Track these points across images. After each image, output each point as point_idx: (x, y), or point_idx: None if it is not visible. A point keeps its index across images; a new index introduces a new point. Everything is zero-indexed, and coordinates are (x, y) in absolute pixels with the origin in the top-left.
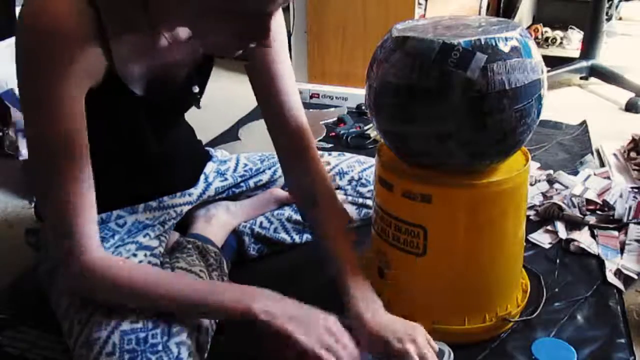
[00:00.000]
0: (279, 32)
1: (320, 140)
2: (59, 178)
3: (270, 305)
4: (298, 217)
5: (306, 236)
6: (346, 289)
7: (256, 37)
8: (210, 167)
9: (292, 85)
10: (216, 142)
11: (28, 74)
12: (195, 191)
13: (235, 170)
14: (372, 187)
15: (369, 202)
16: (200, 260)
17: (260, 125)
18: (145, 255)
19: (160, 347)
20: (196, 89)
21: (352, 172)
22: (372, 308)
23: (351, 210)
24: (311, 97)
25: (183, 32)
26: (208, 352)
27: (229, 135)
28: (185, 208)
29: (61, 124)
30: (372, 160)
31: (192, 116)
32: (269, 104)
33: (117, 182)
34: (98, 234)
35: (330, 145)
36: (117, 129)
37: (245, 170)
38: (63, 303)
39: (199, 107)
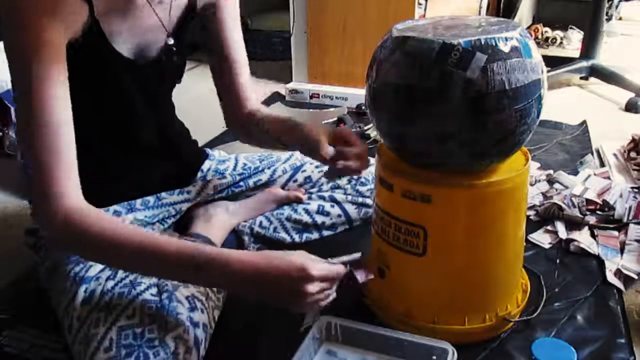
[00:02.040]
0: (233, 16)
1: None
2: (36, 118)
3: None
4: (298, 216)
5: (306, 235)
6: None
7: None
8: (207, 165)
9: (245, 67)
10: (216, 142)
11: (9, 24)
12: (194, 189)
13: (234, 169)
14: (371, 186)
15: (369, 201)
16: None
17: None
18: None
19: (157, 342)
20: (171, 41)
21: None
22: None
23: (351, 209)
24: (311, 97)
25: None
26: (206, 349)
27: (229, 135)
28: (185, 206)
29: (41, 60)
30: (372, 160)
31: (192, 116)
32: (224, 82)
33: (112, 174)
34: (77, 182)
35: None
36: (104, 98)
37: (244, 169)
38: (63, 300)
39: (179, 80)
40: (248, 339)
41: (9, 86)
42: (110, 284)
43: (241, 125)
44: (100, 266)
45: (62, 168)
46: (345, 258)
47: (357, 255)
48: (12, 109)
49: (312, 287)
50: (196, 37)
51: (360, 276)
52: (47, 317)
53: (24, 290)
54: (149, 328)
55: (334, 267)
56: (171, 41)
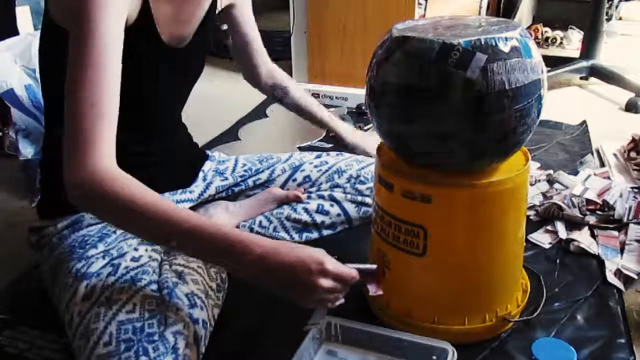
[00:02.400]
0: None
1: (320, 140)
2: (90, 79)
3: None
4: (297, 215)
5: (306, 235)
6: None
7: None
8: (208, 166)
9: (262, 47)
10: (215, 142)
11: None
12: (196, 189)
13: (234, 170)
14: (370, 185)
15: (368, 200)
16: (199, 263)
17: (260, 125)
18: (147, 250)
19: (156, 337)
20: (201, 48)
21: (351, 170)
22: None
23: (350, 208)
24: (311, 97)
25: None
26: (206, 346)
27: (229, 136)
28: (186, 206)
29: (100, 39)
30: (370, 159)
31: (192, 116)
32: (246, 58)
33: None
34: (113, 146)
35: (330, 145)
36: (139, 80)
37: (245, 171)
38: (64, 296)
39: (199, 69)
40: (248, 339)
41: (9, 86)
42: (111, 279)
43: (266, 87)
44: (102, 262)
45: (101, 127)
46: (361, 266)
47: (373, 267)
48: (12, 109)
49: (326, 282)
50: (212, 47)
51: (372, 289)
52: (47, 317)
53: (24, 290)
54: (148, 323)
55: (350, 270)
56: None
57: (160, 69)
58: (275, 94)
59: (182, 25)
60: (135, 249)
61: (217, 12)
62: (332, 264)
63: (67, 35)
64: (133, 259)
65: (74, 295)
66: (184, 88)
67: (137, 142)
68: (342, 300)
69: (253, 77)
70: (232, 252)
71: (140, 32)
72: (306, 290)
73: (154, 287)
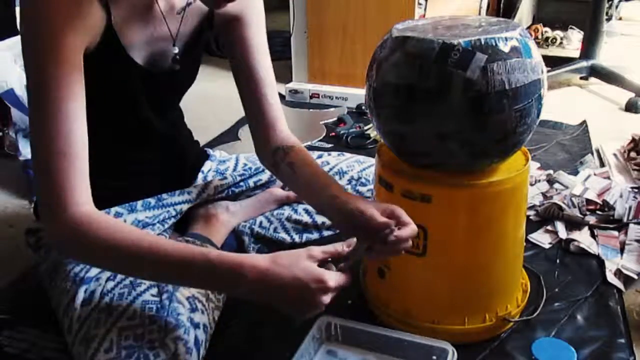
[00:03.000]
0: (258, 34)
1: (320, 140)
2: (51, 122)
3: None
4: (298, 216)
5: (306, 236)
6: (342, 199)
7: None
8: (208, 166)
9: (273, 88)
10: (216, 142)
11: (29, 26)
12: (195, 189)
13: (234, 169)
14: (371, 187)
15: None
16: None
17: None
18: None
19: (157, 344)
20: (176, 50)
21: (352, 172)
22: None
23: None
24: (311, 97)
25: (179, 2)
26: (206, 349)
27: (229, 136)
28: (185, 206)
29: (58, 68)
30: (372, 160)
31: (192, 116)
32: (251, 104)
33: (115, 175)
34: (88, 188)
35: (330, 145)
36: (113, 103)
37: (245, 170)
38: (63, 301)
39: (188, 85)
40: (248, 340)
41: (9, 86)
42: (111, 284)
43: (269, 155)
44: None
45: (74, 174)
46: (351, 253)
47: (358, 245)
48: (12, 109)
49: (327, 298)
50: (213, 47)
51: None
52: (47, 317)
53: (24, 290)
54: (149, 329)
55: (347, 276)
56: (176, 50)
57: (136, 91)
58: (276, 159)
59: (156, 45)
60: None
61: (211, 28)
62: (332, 279)
63: None
64: None
65: (73, 300)
66: (169, 103)
67: (133, 149)
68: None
69: (259, 135)
70: (224, 280)
71: (109, 57)
72: (308, 308)
73: (154, 291)
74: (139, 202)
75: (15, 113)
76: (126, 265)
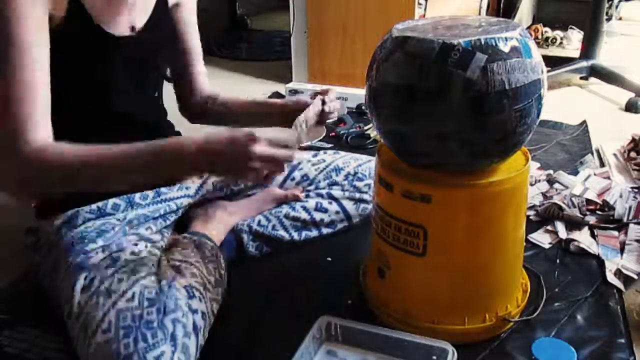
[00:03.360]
0: (193, 14)
1: (320, 140)
2: (12, 51)
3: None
4: (296, 214)
5: (305, 233)
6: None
7: None
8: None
9: (200, 56)
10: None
11: None
12: (193, 185)
13: None
14: (368, 181)
15: (366, 197)
16: (196, 253)
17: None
18: (146, 246)
19: (155, 324)
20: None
21: (348, 168)
22: None
23: (349, 205)
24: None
25: None
26: (205, 339)
27: None
28: (185, 201)
29: (17, 27)
30: (368, 157)
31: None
32: (184, 69)
33: None
34: (47, 120)
35: (330, 145)
36: (88, 78)
37: None
38: (64, 289)
39: (159, 65)
40: (248, 339)
41: None
42: (110, 271)
43: (195, 109)
44: (101, 256)
45: (34, 104)
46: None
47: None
48: None
49: (259, 148)
50: (213, 47)
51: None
52: (47, 317)
53: (24, 290)
54: (147, 310)
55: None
56: (137, 21)
57: (108, 59)
58: (206, 107)
59: (125, 13)
60: (135, 244)
61: (168, 6)
62: (262, 137)
63: None
64: (132, 253)
65: (73, 287)
66: (144, 77)
67: (113, 139)
68: (284, 173)
69: (188, 94)
70: (169, 160)
71: (77, 23)
72: (242, 160)
73: (153, 278)
74: (137, 195)
75: None
76: (83, 175)
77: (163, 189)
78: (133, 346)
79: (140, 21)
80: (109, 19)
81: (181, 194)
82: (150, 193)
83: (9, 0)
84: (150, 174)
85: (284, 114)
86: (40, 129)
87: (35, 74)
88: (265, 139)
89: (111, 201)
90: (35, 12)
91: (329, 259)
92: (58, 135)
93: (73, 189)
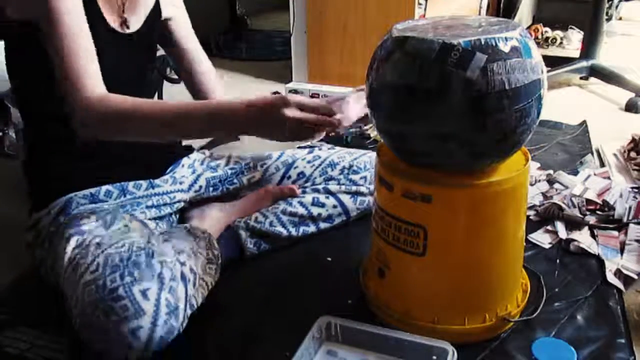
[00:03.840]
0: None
1: (320, 140)
2: (61, 42)
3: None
4: (293, 209)
5: (303, 229)
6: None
7: None
8: (194, 156)
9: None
10: (215, 142)
11: None
12: (186, 180)
13: (226, 164)
14: (364, 174)
15: (363, 189)
16: (188, 235)
17: None
18: (139, 223)
19: (143, 265)
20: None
21: (343, 162)
22: None
23: (346, 199)
24: (311, 97)
25: None
26: (193, 307)
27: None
28: (178, 195)
29: (68, 17)
30: (363, 151)
31: None
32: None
33: (92, 156)
34: (99, 73)
35: (330, 145)
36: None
37: (236, 163)
38: (59, 258)
39: (153, 60)
40: (248, 339)
41: (9, 86)
42: (102, 231)
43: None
44: (95, 224)
45: (85, 65)
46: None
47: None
48: (12, 109)
49: (290, 112)
50: (213, 47)
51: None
52: (47, 317)
53: (24, 290)
54: (136, 254)
55: (314, 100)
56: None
57: (109, 51)
58: None
59: (128, 13)
60: (129, 221)
61: (161, 17)
62: (292, 97)
63: (29, 33)
64: (125, 226)
65: (65, 249)
66: (143, 78)
67: None
68: (321, 135)
69: (198, 96)
70: (220, 112)
71: (89, 16)
72: (277, 123)
73: (144, 239)
74: (131, 183)
75: (15, 113)
76: (143, 123)
77: (157, 181)
78: (119, 280)
79: (135, 23)
80: (108, 15)
81: (175, 188)
82: (144, 183)
83: None
84: (206, 131)
85: None
86: (97, 80)
87: (79, 40)
88: (294, 100)
89: (104, 188)
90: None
91: (329, 258)
92: (55, 129)
93: (129, 137)
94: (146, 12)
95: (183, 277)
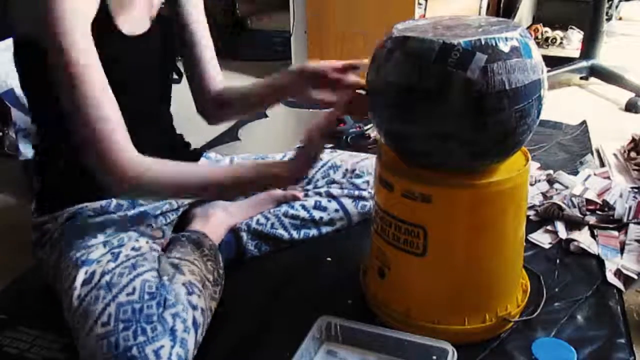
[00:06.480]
0: (202, 12)
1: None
2: (86, 95)
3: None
4: (294, 212)
5: (304, 232)
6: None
7: None
8: (204, 163)
9: (213, 50)
10: (216, 142)
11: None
12: None
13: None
14: (367, 178)
15: (365, 194)
16: (195, 251)
17: (260, 125)
18: (147, 242)
19: (155, 318)
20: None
21: (346, 165)
22: None
23: (348, 203)
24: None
25: None
26: (203, 336)
27: (229, 136)
28: (186, 200)
29: (80, 50)
30: (365, 155)
31: (192, 116)
32: (198, 64)
33: None
34: (129, 139)
35: (330, 145)
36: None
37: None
38: (65, 284)
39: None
40: (248, 340)
41: (9, 86)
42: (112, 265)
43: (211, 104)
44: (102, 250)
45: (114, 130)
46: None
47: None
48: (12, 109)
49: (316, 132)
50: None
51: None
52: (47, 317)
53: (24, 290)
54: (148, 304)
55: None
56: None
57: (121, 58)
58: (222, 99)
59: (137, 15)
60: (136, 240)
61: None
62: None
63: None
64: (133, 249)
65: (74, 281)
66: (153, 78)
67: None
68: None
69: (202, 91)
70: (264, 177)
71: (100, 25)
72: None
73: (154, 273)
74: None
75: (15, 113)
76: (186, 191)
77: None
78: (132, 339)
79: (144, 22)
80: (122, 19)
81: None
82: None
83: (69, 36)
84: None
85: (299, 82)
86: (127, 144)
87: (104, 100)
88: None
89: (115, 200)
90: (87, 42)
91: (329, 259)
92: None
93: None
94: (157, 4)
95: (195, 323)
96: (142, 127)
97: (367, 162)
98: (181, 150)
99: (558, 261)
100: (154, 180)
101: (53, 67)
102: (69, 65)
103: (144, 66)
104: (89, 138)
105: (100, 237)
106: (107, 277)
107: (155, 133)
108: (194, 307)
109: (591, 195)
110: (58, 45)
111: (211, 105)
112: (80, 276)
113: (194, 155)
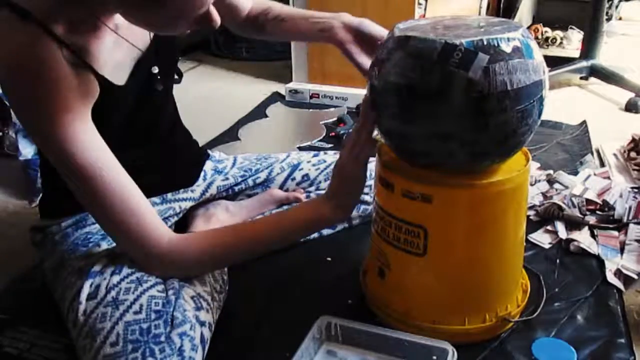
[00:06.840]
0: None
1: (320, 140)
2: (103, 200)
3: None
4: None
5: None
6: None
7: (200, 24)
8: (208, 165)
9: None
10: (216, 142)
11: (29, 114)
12: (198, 188)
13: (232, 167)
14: (369, 182)
15: (367, 198)
16: None
17: (260, 125)
18: None
19: (163, 338)
20: (155, 69)
21: None
22: None
23: None
24: (311, 97)
25: (121, 19)
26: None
27: (229, 136)
28: (188, 204)
29: (85, 156)
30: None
31: (192, 116)
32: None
33: None
34: (160, 220)
35: (330, 145)
36: (113, 125)
37: (245, 171)
38: (68, 295)
39: (173, 84)
40: (248, 340)
41: None
42: (116, 278)
43: (251, 22)
44: (105, 261)
45: (141, 221)
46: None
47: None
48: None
49: (349, 158)
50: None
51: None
52: (47, 317)
53: (24, 290)
54: (155, 324)
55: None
56: (155, 70)
57: (122, 108)
58: (260, 19)
59: (120, 59)
60: None
61: None
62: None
63: None
64: None
65: (78, 294)
66: (162, 106)
67: (131, 150)
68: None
69: (239, 11)
70: (314, 224)
71: (105, 96)
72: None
73: (160, 287)
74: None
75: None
76: (230, 260)
77: (168, 195)
78: None
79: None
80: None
81: (186, 196)
82: (157, 199)
83: (70, 127)
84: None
85: (347, 37)
86: (160, 228)
87: (125, 191)
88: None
89: None
90: (92, 134)
91: (329, 259)
92: None
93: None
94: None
95: (202, 339)
96: (157, 150)
97: (370, 166)
98: (188, 147)
99: (558, 261)
100: (196, 264)
101: (67, 178)
102: (85, 181)
103: (153, 103)
104: (124, 235)
105: (104, 245)
106: (113, 293)
107: (171, 144)
108: (202, 324)
109: (591, 195)
110: (72, 168)
111: (250, 26)
112: (85, 289)
113: (199, 155)
